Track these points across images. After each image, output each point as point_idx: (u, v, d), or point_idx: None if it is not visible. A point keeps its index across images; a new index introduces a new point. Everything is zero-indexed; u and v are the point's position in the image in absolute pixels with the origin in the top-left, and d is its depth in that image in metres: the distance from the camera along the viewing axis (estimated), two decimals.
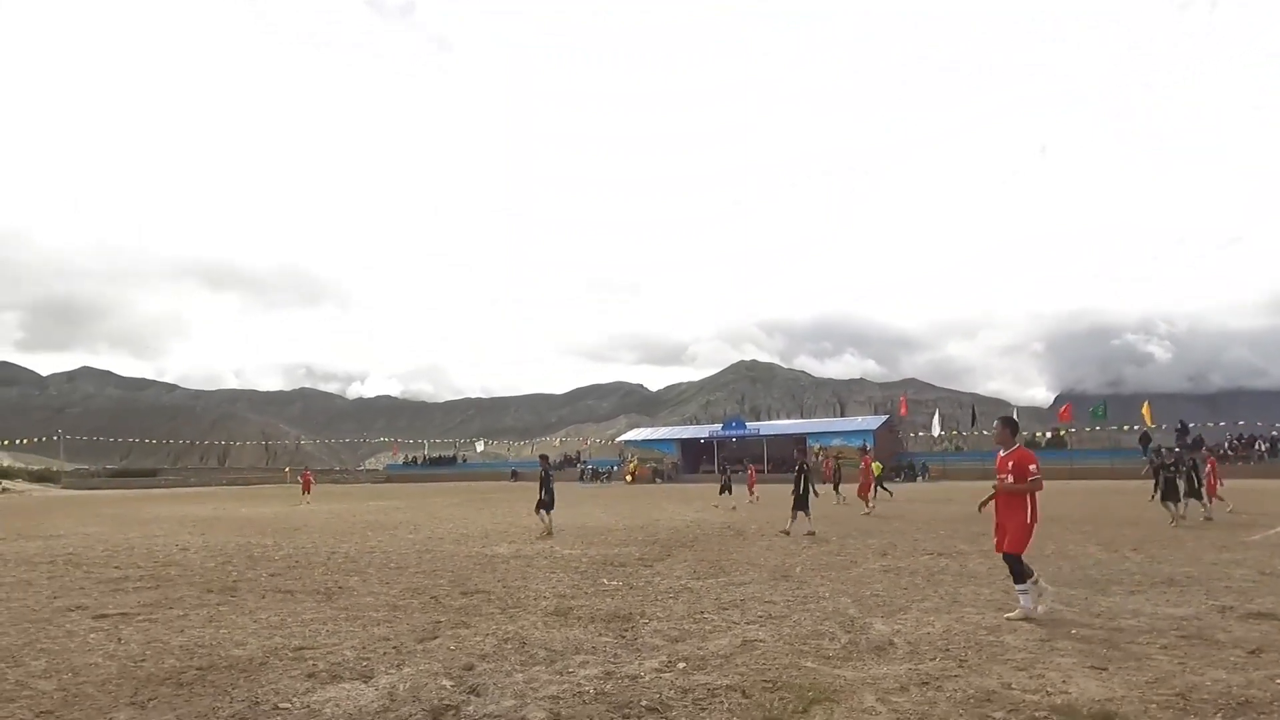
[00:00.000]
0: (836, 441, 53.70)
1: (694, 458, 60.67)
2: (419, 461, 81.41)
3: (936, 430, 56.56)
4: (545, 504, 16.49)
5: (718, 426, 64.36)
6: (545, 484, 16.59)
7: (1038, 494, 7.55)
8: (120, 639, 7.00)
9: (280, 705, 5.00)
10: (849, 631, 6.81)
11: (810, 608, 7.99)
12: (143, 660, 6.21)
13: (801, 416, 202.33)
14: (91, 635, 7.19)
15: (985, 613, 7.55)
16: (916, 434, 66.72)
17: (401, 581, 10.26)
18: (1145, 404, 48.42)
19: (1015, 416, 8.78)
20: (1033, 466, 7.42)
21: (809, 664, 5.76)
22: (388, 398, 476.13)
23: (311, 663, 6.03)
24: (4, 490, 56.28)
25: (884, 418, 61.31)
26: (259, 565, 12.20)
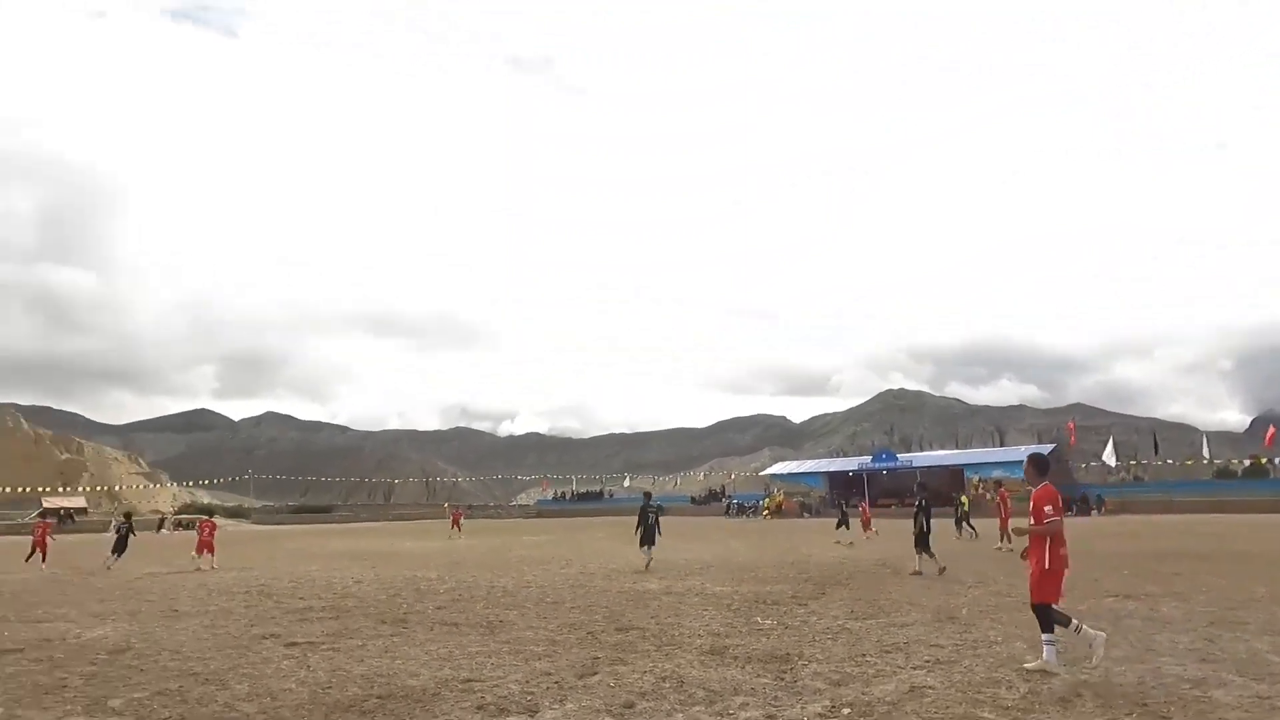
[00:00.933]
0: (997, 473, 50.46)
1: (842, 491, 58.80)
2: (566, 497, 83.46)
3: (1111, 459, 51.98)
4: (646, 539, 17.49)
5: (867, 458, 62.13)
6: (643, 519, 17.77)
7: (1059, 537, 6.71)
8: (309, 666, 7.54)
9: None
10: (1027, 681, 6.34)
11: (981, 653, 7.51)
12: (329, 687, 6.66)
13: (957, 447, 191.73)
14: (284, 662, 7.79)
15: (1186, 663, 6.83)
16: (1087, 464, 61.64)
17: (558, 616, 10.50)
18: None
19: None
20: (1047, 508, 6.68)
21: (986, 715, 5.41)
22: (536, 435, 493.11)
23: (480, 695, 6.27)
24: None
25: (1050, 446, 57.14)
26: (425, 599, 12.84)
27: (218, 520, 29.41)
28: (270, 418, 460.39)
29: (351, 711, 5.88)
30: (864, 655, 7.52)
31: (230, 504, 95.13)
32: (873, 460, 60.29)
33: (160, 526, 59.79)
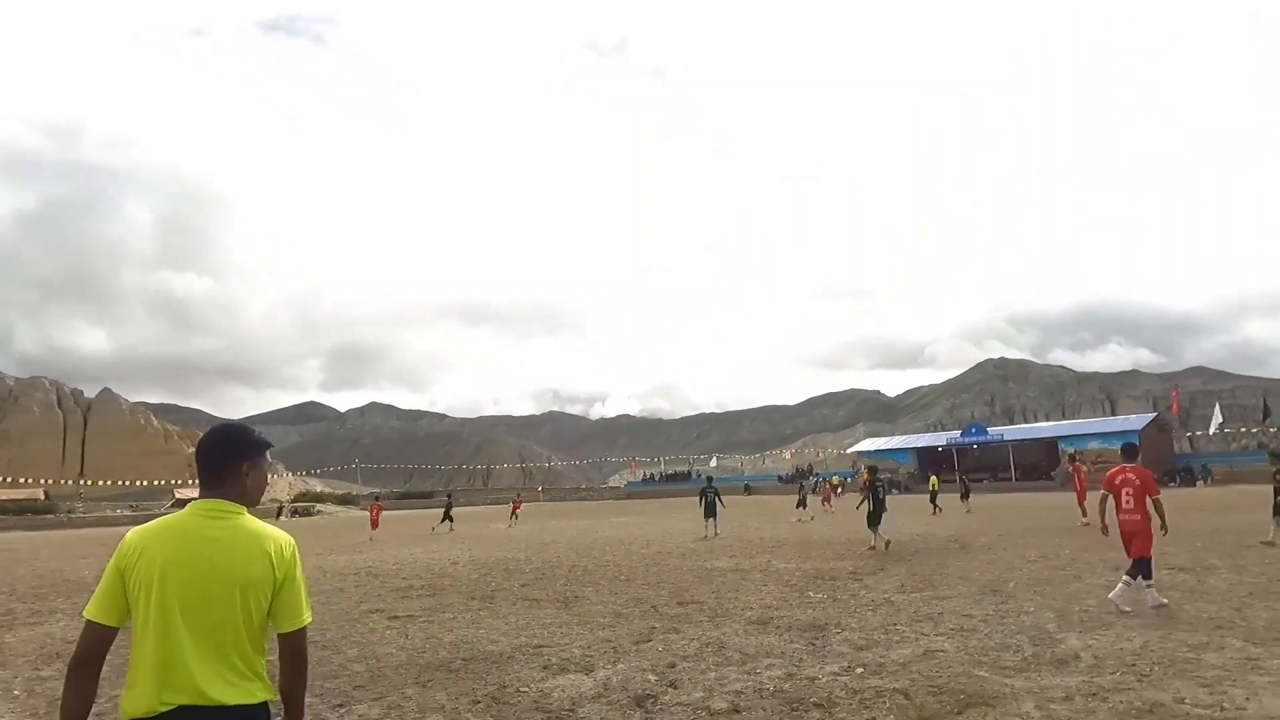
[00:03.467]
0: (1094, 444, 48.99)
1: (933, 466, 58.01)
2: (655, 478, 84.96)
3: (1213, 426, 49.40)
4: (708, 513, 20.35)
5: (957, 433, 61.01)
6: (704, 497, 21.10)
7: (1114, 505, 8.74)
8: (407, 635, 8.80)
9: (521, 690, 6.28)
10: (1036, 645, 6.95)
11: (1008, 622, 8.10)
12: (423, 651, 7.87)
13: (1064, 417, 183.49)
14: (387, 631, 9.09)
15: (1200, 630, 7.28)
16: (1196, 433, 58.77)
17: (629, 592, 11.53)
18: None
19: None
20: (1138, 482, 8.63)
21: (982, 673, 6.10)
22: (628, 417, 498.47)
23: (547, 657, 7.34)
24: (319, 513, 66.69)
25: (1150, 415, 54.82)
26: (513, 577, 14.11)
27: (324, 508, 33.93)
28: (374, 408, 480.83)
29: (441, 670, 7.04)
30: (896, 625, 8.23)
31: (340, 491, 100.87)
32: (962, 435, 59.22)
33: (279, 514, 64.33)
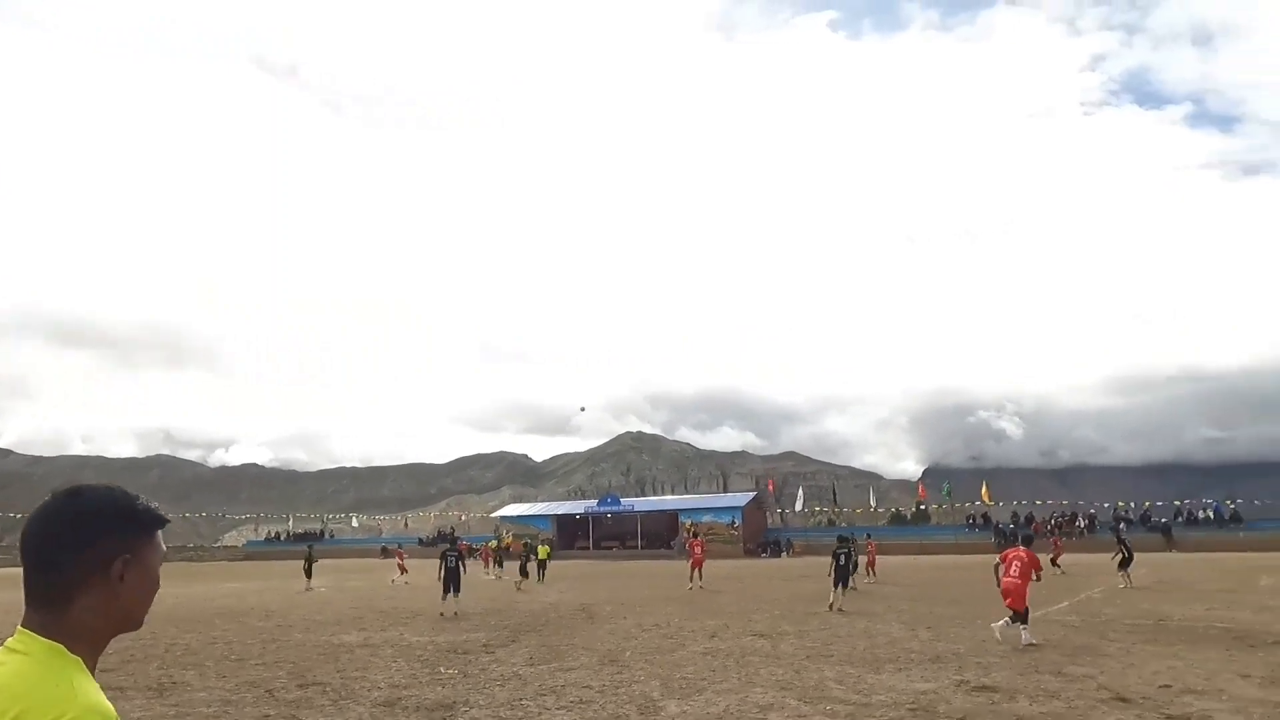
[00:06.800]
0: (707, 518, 55.31)
1: (570, 535, 60.86)
2: (281, 538, 77.57)
3: (799, 505, 59.10)
4: (451, 586, 18.34)
5: (593, 503, 64.90)
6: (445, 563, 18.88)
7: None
8: None
9: None
10: (642, 713, 7.76)
11: (620, 692, 8.89)
12: None
13: (686, 489, 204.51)
14: None
15: (769, 692, 8.67)
16: (785, 510, 69.37)
17: (240, 674, 10.48)
18: (984, 483, 52.58)
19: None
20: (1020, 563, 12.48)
21: None
22: (255, 466, 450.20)
23: None
24: None
25: (751, 494, 63.58)
26: None
27: None
28: None
29: None
30: (521, 700, 8.58)
31: None
32: (598, 504, 63.13)
33: None
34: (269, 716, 7.96)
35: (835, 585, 17.48)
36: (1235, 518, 47.51)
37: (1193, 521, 48.32)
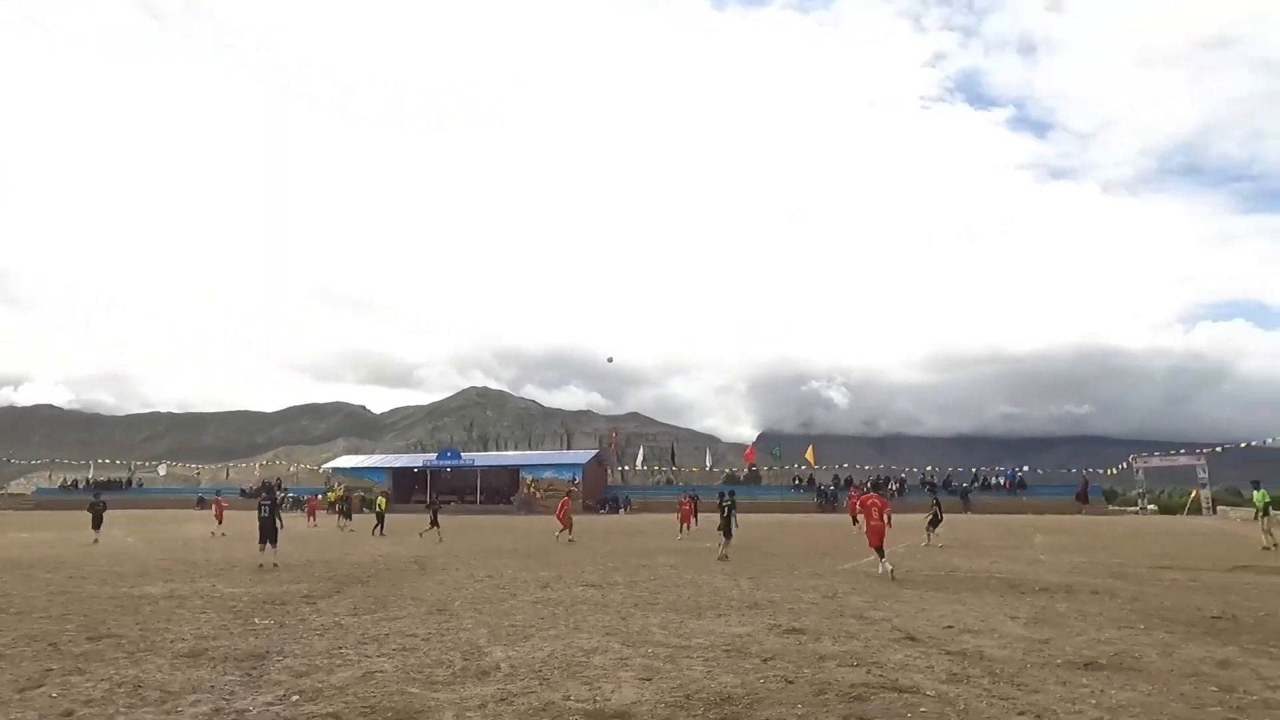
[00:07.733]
0: (548, 474, 55.60)
1: (406, 488, 59.34)
2: (80, 485, 70.83)
3: (639, 464, 60.57)
4: (267, 535, 17.44)
5: (432, 456, 63.56)
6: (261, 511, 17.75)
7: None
8: None
9: None
10: (467, 659, 7.73)
11: (447, 639, 8.81)
12: None
13: (530, 446, 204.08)
14: None
15: (595, 637, 8.87)
16: (628, 468, 70.83)
17: (20, 628, 9.53)
18: (810, 447, 55.98)
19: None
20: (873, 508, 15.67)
21: (414, 690, 6.58)
22: (50, 407, 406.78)
23: None
24: None
25: (594, 451, 64.41)
26: None
27: None
28: None
29: None
30: (341, 649, 8.32)
31: None
32: (438, 458, 61.89)
33: None
34: (51, 670, 7.29)
35: (723, 536, 18.93)
36: (1021, 484, 53.22)
37: (986, 487, 53.72)
